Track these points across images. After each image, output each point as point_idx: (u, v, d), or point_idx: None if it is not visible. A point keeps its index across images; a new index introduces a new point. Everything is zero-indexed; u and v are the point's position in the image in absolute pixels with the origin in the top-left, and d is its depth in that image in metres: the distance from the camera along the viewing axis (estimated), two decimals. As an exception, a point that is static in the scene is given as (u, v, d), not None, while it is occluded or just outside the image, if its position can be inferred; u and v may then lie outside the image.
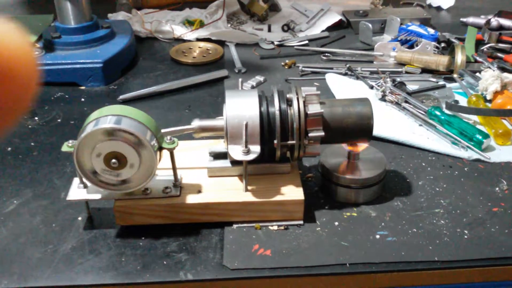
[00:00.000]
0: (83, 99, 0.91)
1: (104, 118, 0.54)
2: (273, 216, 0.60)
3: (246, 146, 0.57)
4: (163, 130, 0.61)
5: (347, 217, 0.61)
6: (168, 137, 0.57)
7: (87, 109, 0.88)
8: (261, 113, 0.58)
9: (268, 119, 0.58)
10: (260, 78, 0.96)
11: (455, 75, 0.93)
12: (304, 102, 0.59)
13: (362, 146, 0.64)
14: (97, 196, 0.59)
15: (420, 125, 0.80)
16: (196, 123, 0.61)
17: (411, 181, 0.68)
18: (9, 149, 0.76)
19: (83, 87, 0.95)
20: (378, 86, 0.91)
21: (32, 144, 0.78)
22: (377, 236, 0.58)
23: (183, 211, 0.59)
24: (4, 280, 0.54)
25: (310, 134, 0.58)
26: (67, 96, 0.92)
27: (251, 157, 0.57)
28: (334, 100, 0.62)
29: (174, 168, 0.59)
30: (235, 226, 0.60)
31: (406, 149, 0.75)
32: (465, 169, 0.70)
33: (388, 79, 0.91)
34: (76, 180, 0.61)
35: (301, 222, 0.60)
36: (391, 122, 0.80)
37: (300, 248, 0.57)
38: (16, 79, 0.17)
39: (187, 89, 0.94)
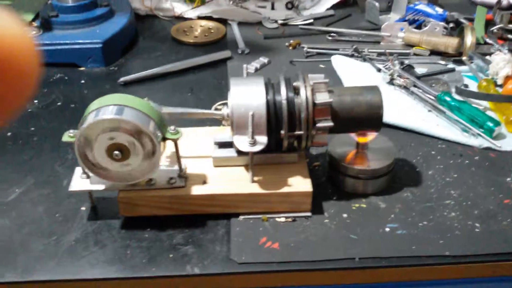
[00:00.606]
0: (83, 81, 0.89)
1: (105, 108, 0.52)
2: (280, 208, 0.59)
3: (252, 137, 0.55)
4: (187, 110, 0.59)
5: (356, 208, 0.60)
6: (172, 127, 0.55)
7: (88, 92, 0.86)
8: (267, 102, 0.56)
9: (275, 109, 0.57)
10: (264, 59, 0.93)
11: (464, 58, 0.91)
12: (312, 90, 0.57)
13: (371, 136, 0.62)
14: (101, 187, 0.57)
15: (430, 110, 0.78)
16: (226, 110, 0.59)
17: (421, 170, 0.66)
18: (9, 134, 0.74)
19: (82, 68, 0.92)
20: (386, 69, 0.88)
21: (33, 129, 0.76)
22: (387, 229, 0.57)
23: (189, 202, 0.58)
24: (8, 274, 0.53)
25: (318, 125, 0.56)
26: (66, 78, 0.90)
27: (257, 148, 0.55)
28: (343, 88, 0.60)
29: (178, 159, 0.57)
30: (241, 217, 0.59)
31: (415, 136, 0.73)
32: (476, 158, 0.69)
33: (396, 62, 0.88)
34: (78, 170, 0.59)
35: (309, 213, 0.59)
36: (400, 108, 0.78)
37: (308, 241, 0.56)
38: (16, 68, 0.16)
39: (189, 71, 0.92)
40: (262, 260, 0.54)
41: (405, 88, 0.83)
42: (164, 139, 0.55)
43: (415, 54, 0.94)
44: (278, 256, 0.54)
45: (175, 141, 0.56)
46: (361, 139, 0.62)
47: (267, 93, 0.57)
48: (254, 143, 0.55)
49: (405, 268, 0.54)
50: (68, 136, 0.55)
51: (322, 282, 0.55)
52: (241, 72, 0.90)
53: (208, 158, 0.62)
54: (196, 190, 0.58)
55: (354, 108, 0.58)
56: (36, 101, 0.82)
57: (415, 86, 0.82)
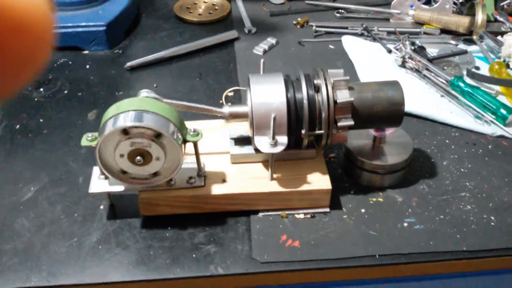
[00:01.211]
0: (87, 66, 0.87)
1: (125, 114, 0.51)
2: (299, 204, 0.59)
3: (273, 138, 0.55)
4: (193, 105, 0.58)
5: (373, 203, 0.61)
6: (192, 129, 0.55)
7: (94, 77, 0.84)
8: (288, 101, 0.56)
9: (296, 108, 0.56)
10: (272, 40, 0.91)
11: (475, 37, 0.90)
12: (332, 88, 0.56)
13: (389, 130, 0.62)
14: (120, 188, 0.57)
15: (442, 96, 0.78)
16: (227, 109, 0.58)
17: (436, 161, 0.67)
18: (18, 126, 0.73)
19: (86, 51, 0.90)
20: (397, 50, 0.87)
21: (41, 120, 0.75)
22: (405, 224, 0.58)
23: (209, 201, 0.58)
24: (34, 278, 0.53)
25: (340, 124, 0.56)
26: (70, 63, 0.87)
27: (278, 149, 0.55)
28: (363, 84, 0.59)
29: (198, 159, 0.57)
30: (261, 214, 0.59)
31: (429, 124, 0.73)
32: (489, 146, 0.69)
33: (407, 43, 0.87)
34: (96, 170, 0.59)
35: (327, 209, 0.60)
36: (413, 94, 0.77)
37: (328, 239, 0.57)
38: (31, 30, 0.16)
39: (196, 53, 0.90)
40: (284, 259, 0.55)
41: (417, 71, 0.82)
42: (185, 141, 0.54)
43: (425, 33, 0.92)
44: (299, 255, 0.55)
45: (195, 143, 0.55)
46: (379, 133, 0.62)
47: (287, 91, 0.56)
48: (275, 144, 0.55)
49: (424, 264, 0.55)
50: (86, 140, 0.54)
51: (343, 278, 0.56)
52: (248, 54, 0.89)
53: (225, 154, 0.62)
54: (216, 189, 0.58)
55: (375, 105, 0.57)
56: (42, 89, 0.81)
57: (427, 69, 0.81)
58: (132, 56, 0.88)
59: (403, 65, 0.84)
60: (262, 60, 0.62)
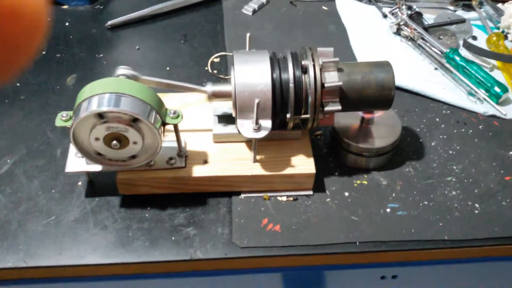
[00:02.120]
0: (67, 23, 0.82)
1: (100, 97, 0.48)
2: (282, 187, 0.58)
3: (257, 123, 0.52)
4: (172, 82, 0.56)
5: (357, 185, 0.60)
6: (172, 111, 0.52)
7: (73, 37, 0.80)
8: (273, 83, 0.53)
9: (281, 91, 0.53)
10: (262, -1, 0.86)
11: (474, 3, 0.85)
12: (320, 70, 0.53)
13: (378, 112, 0.60)
14: (98, 168, 0.55)
15: (436, 68, 0.75)
16: (210, 88, 0.55)
17: (424, 141, 0.65)
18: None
19: (65, 6, 0.85)
20: (393, 14, 0.83)
21: (18, 85, 0.71)
22: (388, 210, 0.57)
23: (189, 183, 0.57)
24: (10, 258, 0.53)
25: (326, 108, 0.54)
26: (49, 19, 0.82)
27: (262, 134, 0.53)
28: (353, 65, 0.56)
29: (178, 141, 0.55)
30: (242, 196, 0.58)
31: (420, 100, 0.71)
32: (480, 127, 0.67)
33: (404, 7, 0.83)
34: (73, 147, 0.57)
35: (311, 192, 0.59)
36: (406, 66, 0.74)
37: (309, 223, 0.56)
38: (26, 15, 0.17)
39: (181, 12, 0.85)
40: (264, 244, 0.54)
41: (412, 40, 0.78)
42: (164, 124, 0.52)
43: (423, -4, 0.88)
44: (280, 240, 0.55)
45: (175, 125, 0.53)
46: (367, 115, 0.60)
47: (272, 72, 0.53)
48: (258, 128, 0.53)
49: (404, 252, 0.55)
50: (61, 120, 0.51)
51: (323, 263, 0.56)
52: (237, 14, 0.85)
53: (208, 132, 0.60)
54: (197, 171, 0.56)
55: (364, 89, 0.55)
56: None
57: (422, 38, 0.78)
58: (113, 13, 0.84)
59: (398, 32, 0.80)
60: (248, 35, 0.58)
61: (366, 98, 0.55)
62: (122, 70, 0.54)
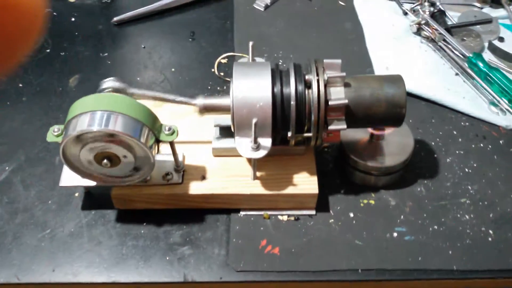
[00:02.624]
0: (73, 19, 0.80)
1: (91, 115, 0.46)
2: (284, 205, 0.56)
3: (255, 142, 0.50)
4: (161, 95, 0.53)
5: (364, 205, 0.57)
6: (167, 127, 0.50)
7: (79, 34, 0.77)
8: (274, 99, 0.49)
9: (282, 106, 0.50)
10: (276, -7, 0.82)
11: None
12: (325, 85, 0.50)
13: (388, 129, 0.56)
14: (92, 183, 0.54)
15: (457, 74, 0.70)
16: (201, 101, 0.52)
17: (439, 156, 0.61)
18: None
19: (73, 0, 0.83)
20: (414, 12, 0.78)
21: (20, 85, 0.70)
22: (395, 234, 0.54)
23: (186, 199, 0.55)
24: (3, 274, 0.52)
25: (331, 127, 0.50)
26: (55, 14, 0.81)
27: (260, 154, 0.50)
28: (362, 79, 0.52)
29: (175, 156, 0.53)
30: (242, 213, 0.56)
31: (438, 109, 0.66)
32: (501, 141, 0.63)
33: (427, 4, 0.77)
34: (68, 160, 0.55)
35: (313, 212, 0.56)
36: (425, 71, 0.69)
37: (310, 247, 0.53)
38: (22, 8, 0.17)
39: (190, 6, 0.82)
40: (261, 268, 0.52)
41: (433, 41, 0.73)
42: (158, 141, 0.50)
43: (449, -9, 0.82)
44: (278, 264, 0.52)
45: (171, 142, 0.51)
46: (377, 131, 0.56)
47: (273, 86, 0.50)
48: (257, 147, 0.50)
49: (408, 282, 0.52)
50: (52, 135, 0.50)
51: (322, 289, 0.54)
52: (248, 9, 0.81)
53: (208, 144, 0.57)
54: (194, 188, 0.54)
55: (373, 106, 0.51)
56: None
57: (444, 40, 0.72)
58: (121, 8, 0.81)
59: (418, 32, 0.75)
60: (251, 43, 0.55)
61: (375, 116, 0.51)
62: (109, 83, 0.51)
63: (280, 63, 0.72)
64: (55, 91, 0.69)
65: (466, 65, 0.69)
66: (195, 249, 0.54)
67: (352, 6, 0.81)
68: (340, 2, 0.81)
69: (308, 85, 0.50)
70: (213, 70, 0.72)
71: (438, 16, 0.75)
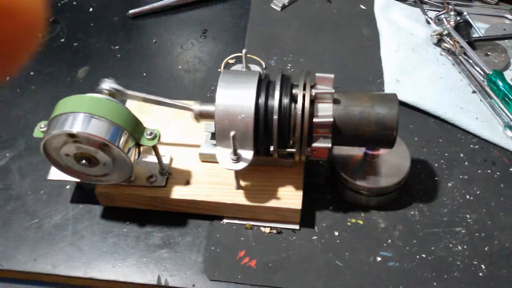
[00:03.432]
0: (91, 9, 0.81)
1: (73, 116, 0.46)
2: (267, 217, 0.54)
3: (235, 154, 0.48)
4: (158, 99, 0.53)
5: (351, 225, 0.55)
6: (149, 132, 0.49)
7: (93, 25, 0.78)
8: (256, 111, 0.48)
9: (265, 119, 0.48)
10: (295, -7, 0.80)
11: (541, 12, 0.73)
12: (312, 101, 0.48)
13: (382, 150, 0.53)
14: (78, 179, 0.54)
15: (474, 92, 0.65)
16: (197, 107, 0.52)
17: (440, 179, 0.58)
18: (8, 78, 0.71)
19: (93, -11, 0.84)
20: (437, 21, 0.73)
21: (32, 73, 0.72)
22: (378, 258, 0.52)
23: (168, 203, 0.54)
24: (-13, 259, 0.54)
25: (315, 144, 0.48)
26: (74, 3, 0.82)
27: (240, 166, 0.49)
28: (353, 96, 0.49)
29: (159, 159, 0.53)
30: (225, 221, 0.55)
31: (447, 129, 0.63)
32: (510, 169, 0.59)
33: (452, 13, 0.73)
34: (59, 153, 0.56)
35: (297, 227, 0.54)
36: (439, 85, 0.66)
37: (288, 263, 0.52)
38: (22, 14, 0.17)
39: (206, 2, 0.81)
40: (234, 279, 0.51)
41: (453, 54, 0.69)
42: (139, 145, 0.49)
43: (479, 0, 0.76)
44: (253, 277, 0.51)
45: (154, 146, 0.50)
46: (370, 151, 0.53)
47: (258, 98, 0.48)
48: (237, 159, 0.49)
49: (386, 310, 0.50)
50: (39, 131, 0.50)
51: (297, 306, 0.52)
52: (265, 9, 0.79)
53: (196, 148, 0.56)
54: (176, 192, 0.54)
55: (362, 126, 0.48)
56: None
57: (464, 53, 0.68)
58: (138, 0, 0.81)
59: (438, 43, 0.71)
60: (244, 51, 0.53)
61: (364, 136, 0.49)
62: (106, 84, 0.51)
63: (288, 67, 0.70)
64: (63, 82, 0.71)
65: (486, 82, 0.65)
66: (173, 253, 0.53)
67: (373, 11, 0.77)
68: (361, 6, 0.78)
69: (294, 100, 0.48)
70: (219, 70, 0.71)
71: (463, 27, 0.71)
